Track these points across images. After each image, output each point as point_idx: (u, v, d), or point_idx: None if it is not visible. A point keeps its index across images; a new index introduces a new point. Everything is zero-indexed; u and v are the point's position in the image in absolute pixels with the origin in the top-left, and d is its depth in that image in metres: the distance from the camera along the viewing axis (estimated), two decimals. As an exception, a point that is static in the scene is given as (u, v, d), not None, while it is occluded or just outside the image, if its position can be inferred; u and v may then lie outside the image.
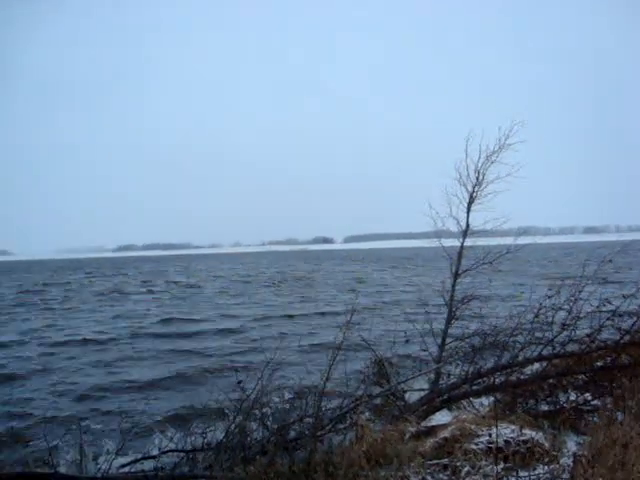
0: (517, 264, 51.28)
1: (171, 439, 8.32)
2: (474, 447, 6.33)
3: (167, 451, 7.77)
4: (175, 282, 57.85)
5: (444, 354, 9.41)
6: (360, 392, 8.01)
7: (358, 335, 8.67)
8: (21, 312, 31.72)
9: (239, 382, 8.07)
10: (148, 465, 7.52)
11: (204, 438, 7.83)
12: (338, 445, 6.77)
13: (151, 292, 45.58)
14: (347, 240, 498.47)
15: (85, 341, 20.82)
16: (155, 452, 7.91)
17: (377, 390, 8.61)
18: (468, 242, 9.85)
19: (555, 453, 6.23)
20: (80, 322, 26.71)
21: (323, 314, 26.31)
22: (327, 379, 7.06)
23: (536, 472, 5.74)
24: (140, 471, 7.21)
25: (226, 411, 8.70)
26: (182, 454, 7.60)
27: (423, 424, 7.80)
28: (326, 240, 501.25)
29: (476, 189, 9.67)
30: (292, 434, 7.29)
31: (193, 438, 8.02)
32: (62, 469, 7.12)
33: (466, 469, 5.85)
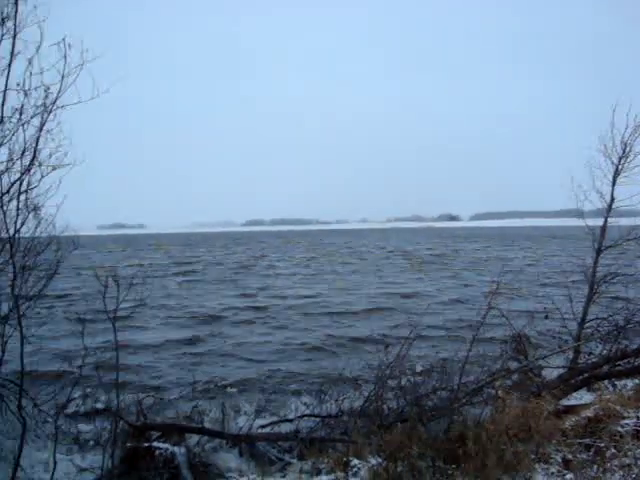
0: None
1: (306, 405, 8.59)
2: (620, 429, 6.08)
3: (304, 415, 7.99)
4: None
5: (584, 332, 9.07)
6: (497, 367, 7.88)
7: (497, 310, 8.48)
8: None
9: (386, 346, 8.19)
10: (285, 428, 7.76)
11: (339, 405, 8.01)
12: (473, 418, 6.68)
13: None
14: (474, 218, 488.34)
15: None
16: (292, 416, 8.15)
17: (514, 365, 8.42)
18: (610, 221, 9.40)
19: None
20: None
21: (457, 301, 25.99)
22: (470, 350, 7.01)
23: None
24: (278, 433, 7.50)
25: (359, 382, 8.83)
26: (318, 419, 7.81)
27: (561, 402, 7.58)
28: (452, 217, 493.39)
29: (622, 161, 9.21)
30: (427, 405, 7.29)
31: (327, 405, 8.21)
32: (207, 425, 7.49)
33: (612, 451, 5.62)
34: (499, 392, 6.79)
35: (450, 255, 55.78)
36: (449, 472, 5.21)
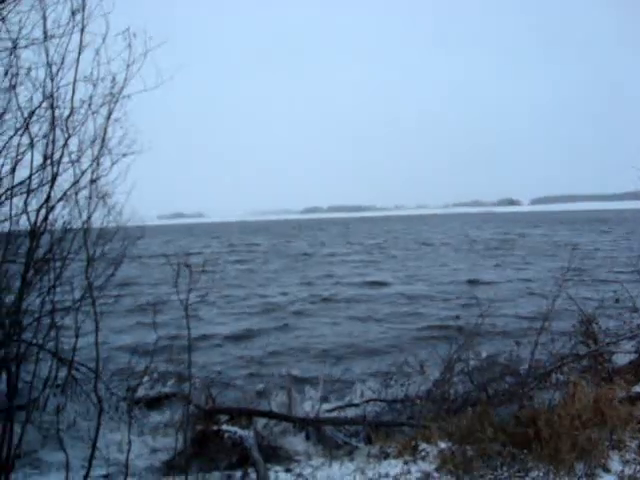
0: None
1: (372, 390, 8.61)
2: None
3: (370, 400, 8.03)
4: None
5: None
6: (566, 352, 7.73)
7: (566, 295, 8.30)
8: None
9: (457, 317, 8.16)
10: (351, 412, 7.82)
11: (405, 390, 8.01)
12: (543, 403, 6.57)
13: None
14: (535, 202, 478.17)
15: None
16: (358, 401, 8.20)
17: (584, 350, 8.24)
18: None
19: None
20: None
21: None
22: (539, 334, 6.90)
23: None
24: (345, 417, 7.55)
25: (425, 367, 8.80)
26: (384, 404, 7.83)
27: (634, 389, 7.38)
28: (512, 202, 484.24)
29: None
30: (495, 390, 7.23)
31: (393, 390, 8.22)
32: (273, 409, 7.60)
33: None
34: (570, 377, 6.65)
35: (515, 240, 54.79)
36: (520, 457, 5.14)
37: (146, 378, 9.11)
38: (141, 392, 8.95)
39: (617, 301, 10.00)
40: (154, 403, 8.94)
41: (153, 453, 7.11)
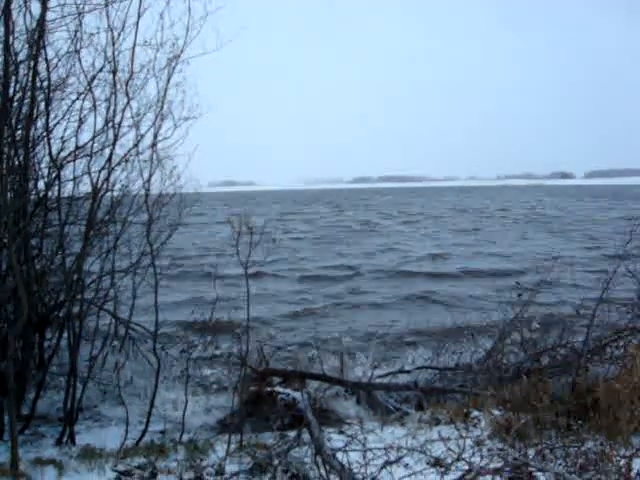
0: None
1: (423, 357, 8.64)
2: None
3: (421, 367, 8.06)
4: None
5: None
6: (622, 325, 7.57)
7: (624, 269, 8.07)
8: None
9: (517, 283, 8.11)
10: (402, 379, 7.85)
11: (456, 358, 8.01)
12: (598, 375, 6.47)
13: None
14: (589, 175, 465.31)
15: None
16: (409, 367, 8.24)
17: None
18: None
19: None
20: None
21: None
22: (598, 305, 6.78)
23: None
24: (396, 383, 7.60)
25: (477, 336, 8.75)
26: (435, 371, 7.85)
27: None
28: (565, 175, 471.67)
29: None
30: (548, 361, 7.17)
31: (445, 357, 8.24)
32: (327, 374, 7.69)
33: None
34: (628, 350, 6.51)
35: (569, 215, 53.50)
36: (575, 427, 5.09)
37: (201, 339, 9.32)
38: (196, 353, 9.16)
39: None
40: (209, 363, 9.15)
41: (208, 412, 7.32)
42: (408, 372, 7.98)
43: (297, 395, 6.64)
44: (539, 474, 4.23)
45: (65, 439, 5.89)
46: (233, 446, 5.16)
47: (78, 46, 5.95)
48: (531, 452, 4.74)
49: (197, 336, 9.45)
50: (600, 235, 30.77)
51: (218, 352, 9.51)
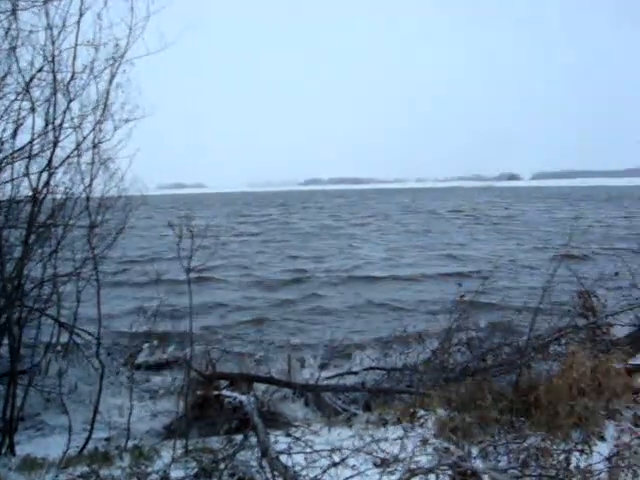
0: None
1: (371, 358, 8.71)
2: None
3: (369, 368, 8.13)
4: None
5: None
6: (564, 324, 7.79)
7: (565, 269, 8.33)
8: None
9: (459, 285, 8.24)
10: (350, 380, 7.90)
11: (404, 359, 8.10)
12: (541, 373, 6.64)
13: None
14: (536, 177, 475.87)
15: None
16: (357, 369, 8.29)
17: (582, 322, 8.29)
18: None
19: None
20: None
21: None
22: (540, 304, 6.95)
23: None
24: (344, 384, 7.64)
25: (424, 337, 8.86)
26: (383, 372, 7.92)
27: (631, 362, 7.44)
28: (512, 177, 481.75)
29: None
30: (493, 360, 7.31)
31: (392, 358, 8.32)
32: (275, 376, 7.69)
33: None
34: (569, 348, 6.70)
35: (516, 216, 54.52)
36: (518, 424, 5.21)
37: (147, 344, 9.23)
38: (142, 358, 9.05)
39: (616, 274, 10.04)
40: (155, 369, 9.05)
41: (154, 417, 7.23)
42: (356, 373, 8.04)
43: (244, 398, 6.61)
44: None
45: (4, 450, 5.72)
46: (179, 451, 5.10)
47: (14, 44, 5.78)
48: (475, 450, 4.84)
49: (143, 341, 9.32)
50: (549, 237, 31.39)
51: (165, 356, 9.41)
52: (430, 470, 4.01)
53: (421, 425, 5.71)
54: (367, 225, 46.08)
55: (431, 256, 25.63)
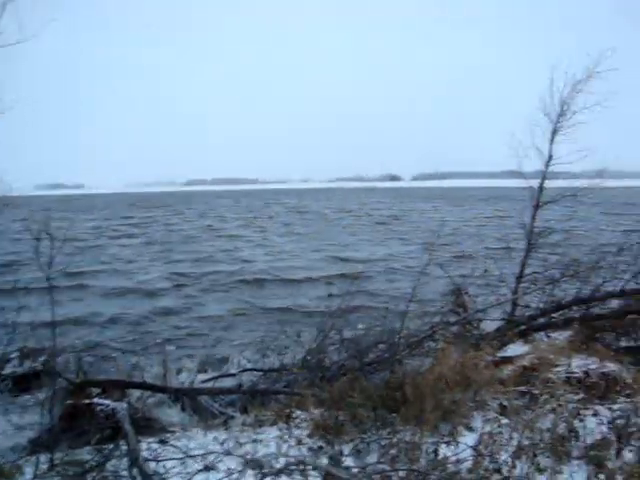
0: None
1: (249, 360, 8.68)
2: (552, 376, 6.30)
3: (246, 370, 8.10)
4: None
5: (522, 285, 9.34)
6: (437, 319, 8.07)
7: (437, 264, 8.66)
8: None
9: (329, 295, 8.31)
10: (227, 382, 7.83)
11: (281, 359, 8.11)
12: (413, 369, 6.84)
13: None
14: (416, 178, 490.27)
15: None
16: (234, 370, 8.24)
17: (454, 318, 8.62)
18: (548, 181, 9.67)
19: (638, 387, 6.09)
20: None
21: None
22: (410, 302, 7.15)
23: (616, 404, 5.65)
24: (220, 387, 7.55)
25: (301, 337, 8.91)
26: (260, 373, 7.90)
27: (499, 354, 7.80)
28: (394, 177, 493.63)
29: (560, 119, 9.44)
30: (369, 357, 7.44)
31: (270, 359, 8.31)
32: (148, 381, 7.48)
33: (544, 397, 5.82)
34: (439, 344, 6.96)
35: (399, 216, 55.83)
36: (390, 420, 5.33)
37: (15, 354, 8.76)
38: (9, 369, 8.58)
39: (485, 271, 10.54)
40: (23, 381, 8.58)
41: (19, 431, 6.84)
42: (233, 375, 7.99)
43: (116, 405, 6.39)
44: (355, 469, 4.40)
45: None
46: (44, 466, 4.85)
47: None
48: (347, 448, 4.92)
49: (10, 351, 8.83)
50: (429, 236, 32.14)
51: (34, 366, 8.95)
52: (281, 470, 4.03)
53: (297, 425, 5.73)
54: (250, 226, 45.72)
55: (316, 258, 25.74)
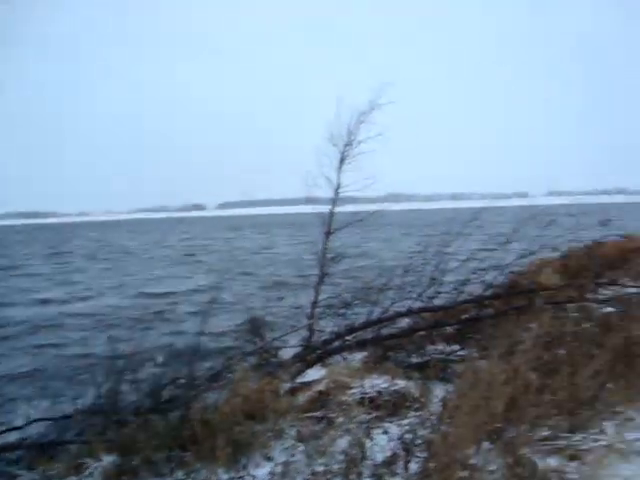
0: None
1: (39, 409, 8.05)
2: (347, 399, 6.52)
3: (34, 420, 7.45)
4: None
5: (317, 311, 9.59)
6: (234, 350, 8.06)
7: (233, 295, 8.69)
8: None
9: (109, 337, 7.97)
10: (13, 437, 7.17)
11: (75, 405, 7.64)
12: (211, 403, 6.76)
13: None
14: (221, 207, 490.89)
15: None
16: (20, 423, 7.55)
17: (251, 347, 8.67)
18: (339, 208, 10.07)
19: (425, 400, 6.48)
20: None
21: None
22: (201, 335, 7.07)
23: (406, 419, 5.96)
24: (3, 443, 6.89)
25: (99, 380, 8.50)
26: (50, 422, 7.35)
27: (298, 380, 7.94)
28: (197, 207, 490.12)
29: (347, 149, 9.89)
30: (166, 396, 7.24)
31: (63, 406, 7.80)
32: None
33: (340, 419, 5.99)
34: (236, 375, 6.94)
35: (208, 245, 55.56)
36: (185, 460, 5.21)
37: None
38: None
39: (281, 299, 10.74)
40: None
41: None
42: (19, 428, 7.32)
43: None
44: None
45: None
46: None
47: None
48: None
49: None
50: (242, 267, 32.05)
51: None
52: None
53: (88, 476, 5.41)
54: (49, 264, 43.34)
55: (128, 295, 24.77)
